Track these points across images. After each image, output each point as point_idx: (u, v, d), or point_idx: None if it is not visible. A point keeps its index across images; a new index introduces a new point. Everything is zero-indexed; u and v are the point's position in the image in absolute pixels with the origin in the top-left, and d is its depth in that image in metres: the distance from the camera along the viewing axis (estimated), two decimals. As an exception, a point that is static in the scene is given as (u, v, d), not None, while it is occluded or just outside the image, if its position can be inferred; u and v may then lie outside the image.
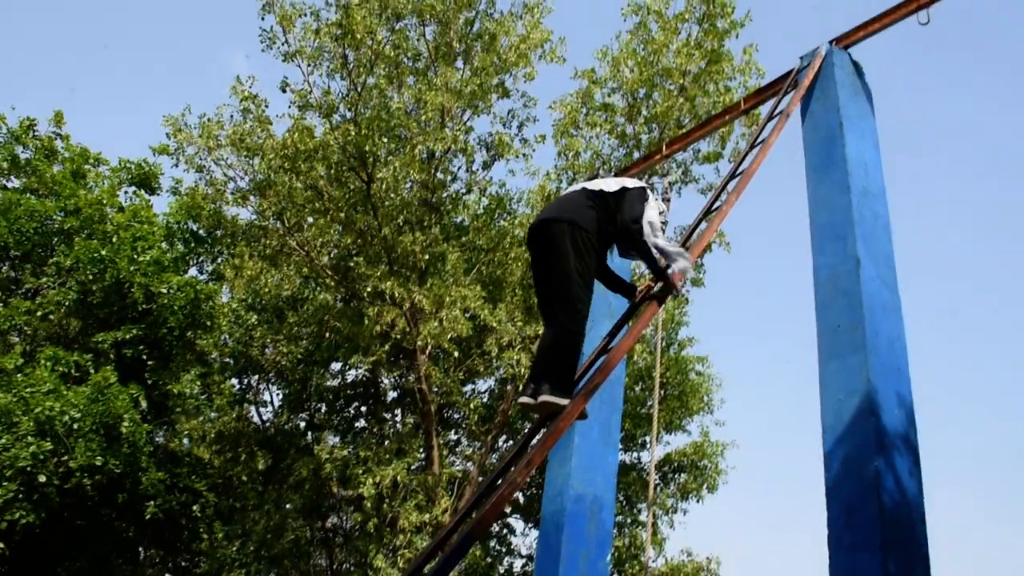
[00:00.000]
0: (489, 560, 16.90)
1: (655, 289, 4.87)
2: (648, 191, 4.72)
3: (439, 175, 14.92)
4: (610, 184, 4.69)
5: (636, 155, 14.13)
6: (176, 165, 14.74)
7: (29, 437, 11.80)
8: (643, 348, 14.97)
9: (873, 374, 5.37)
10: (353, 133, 12.79)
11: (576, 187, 4.75)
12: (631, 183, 4.72)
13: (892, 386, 5.44)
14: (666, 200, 10.44)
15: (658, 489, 18.00)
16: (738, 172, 6.42)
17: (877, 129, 6.70)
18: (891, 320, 5.80)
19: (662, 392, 17.29)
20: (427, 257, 14.07)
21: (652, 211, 4.60)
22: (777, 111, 6.92)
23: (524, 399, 4.34)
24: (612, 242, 4.80)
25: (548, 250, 4.45)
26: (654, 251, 4.58)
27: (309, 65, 14.07)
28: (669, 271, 4.65)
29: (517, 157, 14.25)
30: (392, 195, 13.91)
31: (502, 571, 17.60)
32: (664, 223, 4.78)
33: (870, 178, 6.46)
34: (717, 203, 6.29)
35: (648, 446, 18.02)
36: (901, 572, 4.62)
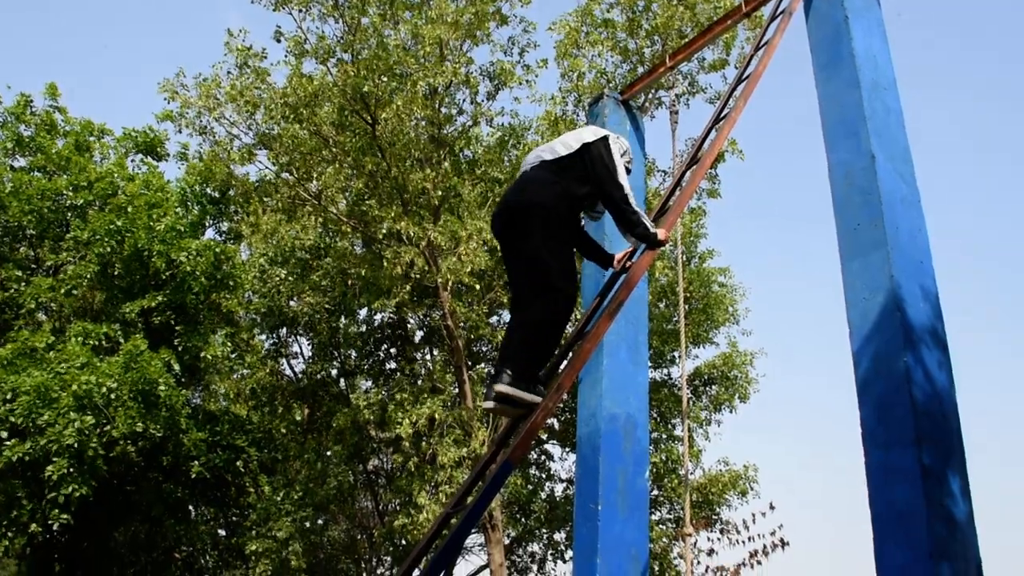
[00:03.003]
0: (530, 487, 17.23)
1: (638, 254, 4.59)
2: (608, 138, 4.36)
3: (444, 110, 14.73)
4: (569, 143, 4.37)
5: (640, 70, 13.85)
6: (179, 131, 14.66)
7: (71, 413, 12.03)
8: (664, 264, 14.91)
9: (896, 270, 5.32)
10: (351, 75, 12.59)
11: (533, 159, 4.41)
12: (589, 135, 4.38)
13: (915, 280, 5.39)
14: (674, 113, 10.25)
15: (691, 403, 18.16)
16: (744, 77, 6.27)
17: (883, 20, 6.50)
18: (911, 214, 5.71)
19: (687, 306, 17.30)
20: (439, 194, 13.98)
21: (620, 165, 4.30)
22: (779, 10, 6.72)
23: (487, 403, 3.99)
24: (582, 207, 4.50)
25: (513, 238, 4.21)
26: (633, 215, 4.28)
27: (300, 11, 13.81)
28: (651, 229, 4.32)
29: (520, 84, 14.01)
30: (398, 134, 13.76)
31: (543, 497, 17.95)
32: (629, 162, 4.49)
33: (880, 71, 6.29)
34: (725, 111, 6.16)
35: (677, 361, 18.11)
36: (936, 464, 4.64)
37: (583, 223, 4.77)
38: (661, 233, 4.36)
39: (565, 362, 4.41)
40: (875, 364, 5.14)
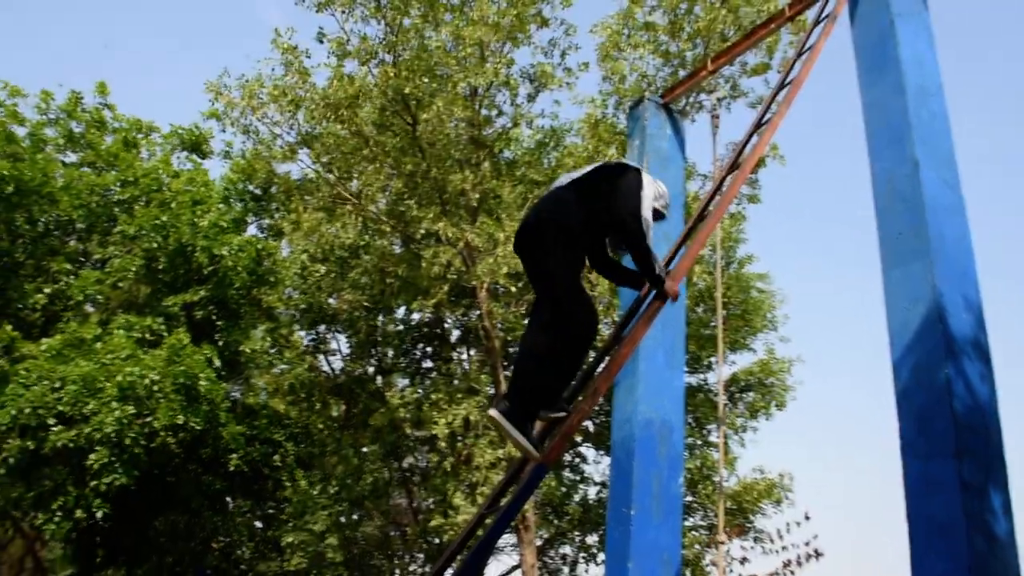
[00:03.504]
0: (564, 490, 17.21)
1: (649, 299, 4.48)
2: (643, 175, 4.24)
3: (483, 111, 14.79)
4: (600, 170, 4.28)
5: (681, 74, 13.77)
6: (224, 130, 14.93)
7: (114, 403, 12.31)
8: (703, 269, 14.80)
9: (938, 279, 5.25)
10: (392, 76, 12.70)
11: (562, 179, 4.32)
12: (623, 167, 4.30)
13: (958, 290, 5.32)
14: (715, 117, 10.19)
15: (727, 409, 18.02)
16: (787, 82, 6.23)
17: (931, 23, 6.40)
18: (954, 222, 5.63)
19: (724, 312, 17.16)
20: (478, 196, 14.04)
21: (647, 202, 4.15)
22: (824, 15, 6.67)
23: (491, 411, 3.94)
24: (606, 233, 4.38)
25: (531, 254, 4.13)
26: (649, 255, 4.15)
27: (343, 12, 13.95)
28: (663, 284, 4.24)
29: (561, 86, 14.00)
30: (438, 135, 13.84)
31: (577, 500, 17.91)
32: (665, 206, 4.39)
33: (926, 76, 6.22)
34: (767, 116, 6.12)
35: (714, 367, 17.98)
36: (977, 478, 4.58)
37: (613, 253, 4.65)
38: (669, 284, 4.25)
39: (601, 366, 4.42)
40: (915, 375, 5.08)
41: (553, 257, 3.98)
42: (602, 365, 4.47)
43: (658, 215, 4.33)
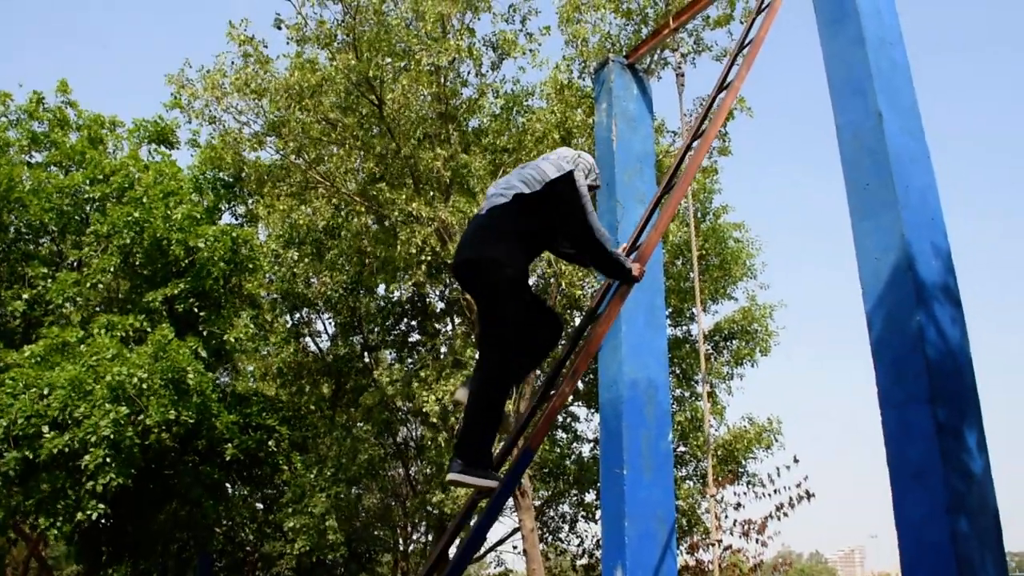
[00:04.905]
0: (558, 450, 17.47)
1: (613, 289, 4.44)
2: (573, 173, 4.08)
3: (449, 83, 14.70)
4: (532, 180, 4.06)
5: (644, 31, 13.73)
6: (189, 121, 14.77)
7: (106, 404, 12.32)
8: (678, 223, 14.90)
9: (907, 229, 5.34)
10: (354, 61, 12.58)
11: (493, 195, 4.14)
12: (553, 170, 4.08)
13: (926, 238, 5.42)
14: (680, 75, 10.22)
15: (712, 358, 18.26)
16: (747, 42, 6.26)
17: (888, -27, 6.43)
18: (920, 171, 5.71)
19: (703, 263, 17.31)
20: (449, 173, 14.00)
21: (588, 198, 4.07)
22: (781, -31, 6.66)
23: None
24: (545, 249, 4.32)
25: (477, 295, 4.00)
26: (606, 252, 4.11)
27: (298, -3, 13.74)
28: (630, 274, 4.20)
29: (524, 54, 13.91)
30: (406, 112, 13.76)
31: (571, 461, 18.19)
32: (596, 179, 4.37)
33: (885, 26, 6.25)
34: (728, 78, 6.16)
35: (696, 318, 18.20)
36: (952, 419, 4.73)
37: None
38: (635, 268, 4.22)
39: (580, 344, 4.50)
40: (888, 324, 5.19)
41: (502, 302, 3.84)
42: (581, 343, 4.55)
43: (593, 188, 4.36)
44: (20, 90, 19.21)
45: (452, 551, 3.98)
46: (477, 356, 4.28)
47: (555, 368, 4.72)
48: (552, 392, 4.54)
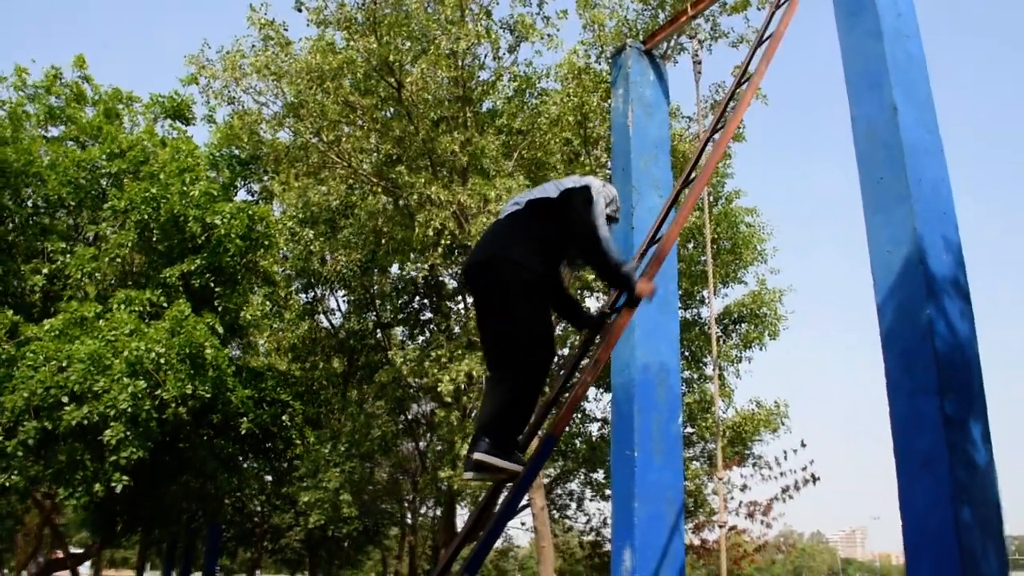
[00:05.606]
0: (568, 429, 17.66)
1: (618, 307, 4.40)
2: (591, 188, 4.10)
3: (467, 66, 14.73)
4: (549, 190, 4.13)
5: (661, 15, 13.72)
6: (208, 101, 14.86)
7: (124, 379, 12.53)
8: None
9: (919, 222, 5.42)
10: (374, 45, 12.65)
11: (511, 206, 4.18)
12: (572, 183, 4.14)
13: (938, 232, 5.50)
14: (697, 63, 10.26)
15: (721, 341, 18.38)
16: (766, 36, 6.32)
17: (906, -33, 6.46)
18: (933, 165, 5.79)
19: (714, 247, 17.40)
20: (466, 158, 14.07)
21: (602, 215, 4.06)
22: (800, -38, 6.70)
23: (467, 475, 3.86)
24: (561, 261, 4.21)
25: (485, 297, 3.97)
26: (613, 266, 4.02)
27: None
28: (634, 280, 4.10)
29: (541, 39, 13.91)
30: (425, 95, 13.81)
31: (580, 440, 18.38)
32: (616, 211, 4.31)
33: (902, 19, 6.30)
34: (748, 70, 6.23)
35: (707, 301, 18.30)
36: (959, 412, 4.85)
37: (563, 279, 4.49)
38: (641, 285, 4.12)
39: (598, 339, 4.60)
40: (899, 316, 5.30)
41: (513, 304, 3.81)
42: (599, 338, 4.61)
43: (611, 220, 4.28)
44: (34, 65, 19.23)
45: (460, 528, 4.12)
46: (488, 364, 4.13)
47: (576, 357, 4.84)
48: (572, 382, 4.67)
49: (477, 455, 3.70)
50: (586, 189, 4.09)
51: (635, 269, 4.36)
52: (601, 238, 3.98)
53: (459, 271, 17.36)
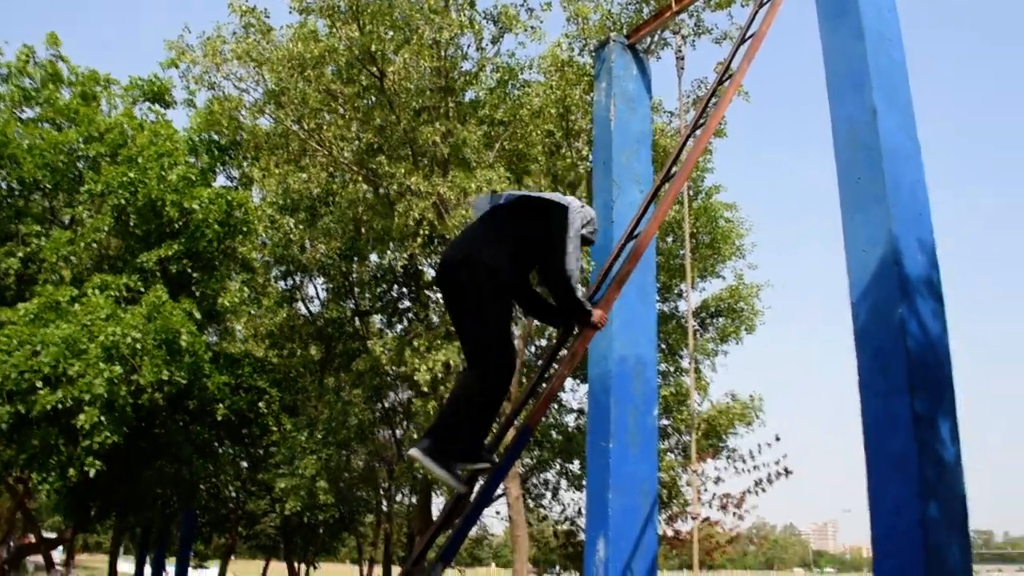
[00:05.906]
0: (544, 420, 17.75)
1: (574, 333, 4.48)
2: (570, 209, 4.10)
3: (449, 56, 14.70)
4: (531, 193, 4.20)
5: (645, 9, 13.75)
6: (188, 86, 14.71)
7: (100, 363, 12.43)
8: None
9: (895, 224, 5.51)
10: (358, 34, 12.59)
11: (489, 206, 4.23)
12: (554, 196, 4.18)
13: (913, 233, 5.59)
14: (680, 59, 10.30)
15: (698, 335, 18.53)
16: (748, 36, 6.37)
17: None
18: (911, 168, 5.87)
19: (693, 241, 17.51)
20: (447, 149, 14.05)
21: (575, 239, 4.06)
22: (783, -38, 6.74)
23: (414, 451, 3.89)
24: (532, 266, 4.23)
25: (459, 296, 4.00)
26: (571, 291, 4.07)
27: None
28: (587, 309, 4.20)
29: (525, 30, 13.90)
30: (407, 84, 13.78)
31: (556, 431, 18.48)
32: (592, 232, 4.32)
33: (884, 22, 6.37)
34: (730, 68, 6.29)
35: (685, 295, 18.43)
36: (928, 411, 4.95)
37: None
38: (596, 314, 4.22)
39: (576, 331, 4.63)
40: (872, 316, 5.39)
41: (482, 305, 3.87)
42: (576, 332, 4.65)
43: (587, 241, 4.31)
44: (7, 47, 18.88)
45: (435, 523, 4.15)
46: (464, 358, 4.22)
47: (554, 349, 4.87)
48: (549, 374, 4.71)
49: (413, 451, 3.80)
50: (564, 210, 4.10)
51: (588, 299, 4.41)
52: (567, 266, 4.01)
53: (438, 260, 17.36)
